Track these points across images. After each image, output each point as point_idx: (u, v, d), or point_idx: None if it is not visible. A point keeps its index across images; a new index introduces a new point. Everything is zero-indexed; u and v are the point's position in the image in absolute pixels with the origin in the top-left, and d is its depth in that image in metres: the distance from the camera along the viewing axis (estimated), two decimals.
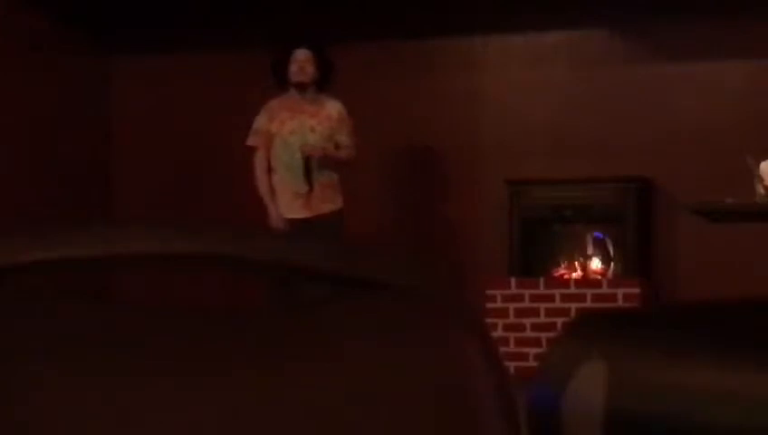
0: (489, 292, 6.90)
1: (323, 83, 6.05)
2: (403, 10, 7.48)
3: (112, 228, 1.08)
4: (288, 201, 5.94)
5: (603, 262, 7.09)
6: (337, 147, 5.98)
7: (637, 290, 6.71)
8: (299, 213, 5.91)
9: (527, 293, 6.90)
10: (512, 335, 6.81)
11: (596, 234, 7.12)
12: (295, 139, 5.95)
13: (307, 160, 5.90)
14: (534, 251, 7.15)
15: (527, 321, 6.84)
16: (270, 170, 6.05)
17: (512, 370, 6.41)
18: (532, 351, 6.67)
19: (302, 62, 5.99)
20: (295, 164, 5.93)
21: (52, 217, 7.40)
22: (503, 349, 6.55)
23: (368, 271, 1.10)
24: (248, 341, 0.98)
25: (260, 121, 6.10)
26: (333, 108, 6.01)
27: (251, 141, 6.11)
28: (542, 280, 6.93)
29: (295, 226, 5.87)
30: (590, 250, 7.12)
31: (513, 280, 6.94)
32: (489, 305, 6.84)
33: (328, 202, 5.93)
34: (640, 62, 7.22)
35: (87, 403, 0.90)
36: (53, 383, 0.91)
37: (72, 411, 0.90)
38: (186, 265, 1.13)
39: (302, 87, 5.97)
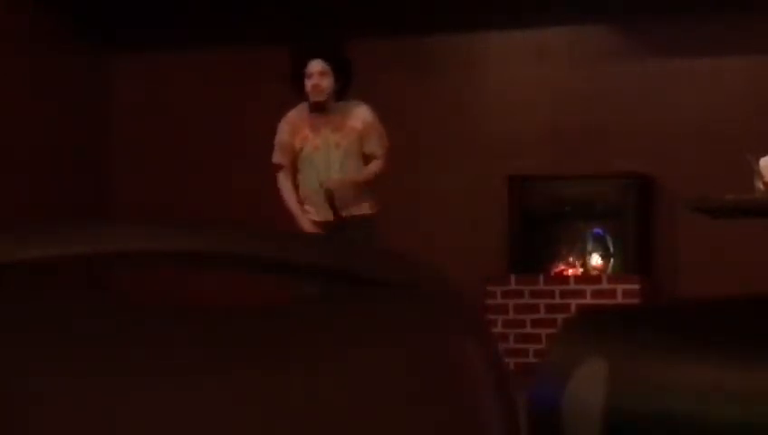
0: (489, 288, 6.90)
1: (342, 93, 5.65)
2: (403, 7, 7.48)
3: (112, 226, 1.08)
4: (320, 204, 5.59)
5: (603, 258, 7.09)
6: (366, 158, 5.62)
7: (636, 286, 6.71)
8: (330, 216, 5.58)
9: (527, 289, 6.90)
10: (511, 332, 6.81)
11: (595, 230, 7.12)
12: (319, 157, 5.60)
13: (330, 196, 5.57)
14: (534, 247, 7.15)
15: (527, 317, 6.84)
16: (296, 183, 5.68)
17: (511, 366, 6.41)
18: (532, 347, 6.67)
19: (317, 75, 5.58)
20: (321, 191, 5.59)
21: (52, 214, 7.39)
22: (502, 345, 6.55)
23: (368, 270, 1.10)
24: (249, 340, 0.98)
25: (282, 136, 5.72)
26: (358, 117, 5.63)
27: (276, 159, 5.72)
28: (541, 276, 6.93)
29: (327, 226, 5.60)
30: (589, 246, 7.13)
31: (512, 276, 6.94)
32: (489, 302, 6.84)
33: (362, 202, 5.61)
34: (640, 59, 7.21)
35: (88, 403, 0.90)
36: (54, 384, 0.91)
37: (73, 411, 0.90)
38: (186, 263, 1.13)
39: (319, 106, 5.58)
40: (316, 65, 5.62)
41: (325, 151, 5.61)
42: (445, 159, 7.51)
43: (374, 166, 5.62)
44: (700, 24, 7.06)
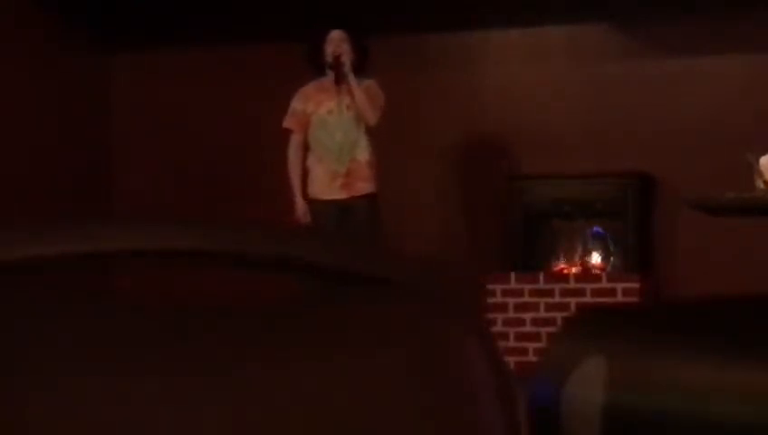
0: (489, 286, 6.90)
1: (359, 66, 5.96)
2: (401, 5, 7.47)
3: (111, 224, 1.08)
4: (326, 182, 5.87)
5: (603, 257, 7.09)
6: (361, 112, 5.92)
7: (637, 285, 6.71)
8: (337, 194, 5.85)
9: (527, 287, 6.90)
10: (511, 330, 6.82)
11: (595, 229, 7.12)
12: (333, 118, 5.89)
13: (337, 61, 5.86)
14: (534, 246, 7.15)
15: (527, 316, 6.84)
16: (305, 153, 5.98)
17: (511, 365, 6.41)
18: (532, 345, 6.67)
19: (337, 41, 5.91)
20: (335, 144, 5.86)
21: (52, 213, 7.39)
22: (502, 344, 6.55)
23: (368, 269, 1.10)
24: (249, 340, 0.98)
25: (295, 104, 6.01)
26: (365, 83, 5.94)
27: (286, 123, 6.01)
28: (541, 275, 6.93)
29: (333, 208, 5.83)
30: (589, 245, 7.12)
31: (512, 275, 6.94)
32: (489, 300, 6.84)
33: (366, 182, 5.88)
34: (640, 57, 7.21)
35: (88, 404, 0.90)
36: (55, 384, 0.91)
37: (73, 412, 0.90)
38: (184, 262, 1.13)
39: (338, 65, 5.89)
40: (336, 33, 5.94)
41: (339, 113, 5.87)
42: (444, 158, 7.51)
43: (367, 105, 5.85)
44: (699, 22, 7.05)
